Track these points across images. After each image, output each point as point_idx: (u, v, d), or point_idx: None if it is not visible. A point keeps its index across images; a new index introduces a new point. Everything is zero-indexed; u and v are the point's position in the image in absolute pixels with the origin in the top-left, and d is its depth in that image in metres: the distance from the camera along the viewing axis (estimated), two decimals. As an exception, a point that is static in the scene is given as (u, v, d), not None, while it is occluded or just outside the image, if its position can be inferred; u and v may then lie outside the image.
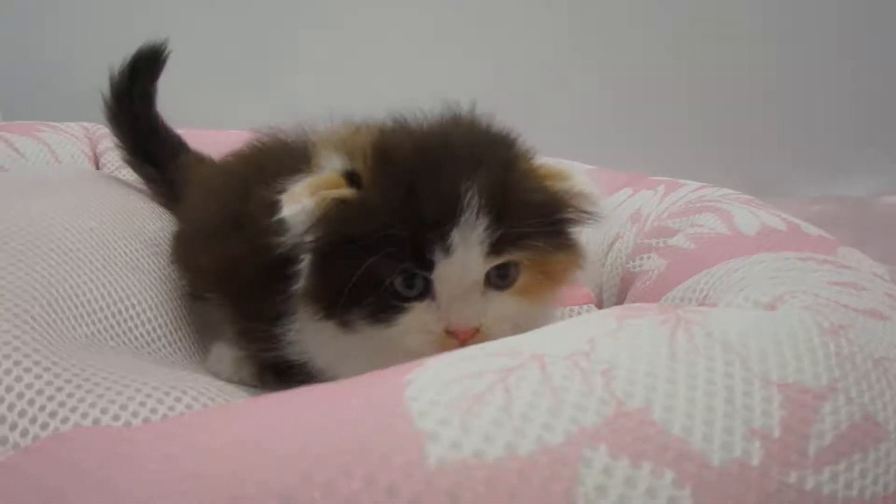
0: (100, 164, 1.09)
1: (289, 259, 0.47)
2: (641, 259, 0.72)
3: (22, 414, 0.40)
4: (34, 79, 1.57)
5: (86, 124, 1.16)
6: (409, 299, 0.42)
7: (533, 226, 0.42)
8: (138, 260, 0.64)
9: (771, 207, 0.70)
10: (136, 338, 0.56)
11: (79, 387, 0.42)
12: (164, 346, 0.59)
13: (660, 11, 1.51)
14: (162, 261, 0.67)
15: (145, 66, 0.78)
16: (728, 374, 0.30)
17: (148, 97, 0.80)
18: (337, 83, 1.43)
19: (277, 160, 0.53)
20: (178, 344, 0.61)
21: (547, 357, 0.29)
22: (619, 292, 0.76)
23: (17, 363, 0.43)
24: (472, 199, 0.40)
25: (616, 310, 0.36)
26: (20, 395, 0.41)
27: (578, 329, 0.33)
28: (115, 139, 0.82)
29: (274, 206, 0.43)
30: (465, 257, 0.41)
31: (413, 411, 0.25)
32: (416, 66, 1.48)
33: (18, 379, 0.42)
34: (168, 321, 0.61)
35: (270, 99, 1.39)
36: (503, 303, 0.44)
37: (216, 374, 0.59)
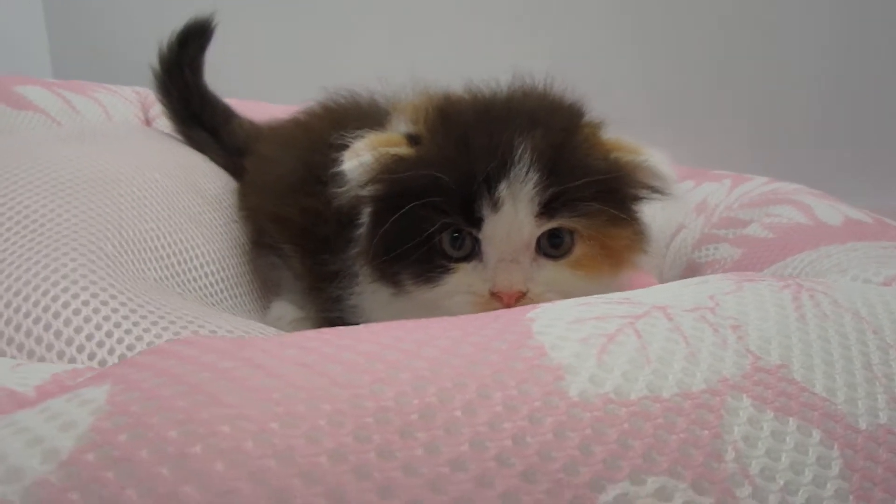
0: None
1: (356, 218, 0.47)
2: (709, 249, 0.70)
3: (100, 344, 0.39)
4: (88, 44, 1.59)
5: (138, 89, 1.17)
6: (456, 259, 0.41)
7: (590, 191, 0.40)
8: (200, 214, 0.63)
9: (847, 204, 0.67)
10: (200, 287, 0.56)
11: (155, 323, 0.41)
12: (225, 298, 0.58)
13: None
14: (222, 217, 0.66)
15: (193, 39, 0.80)
16: (862, 341, 0.28)
17: (197, 67, 0.82)
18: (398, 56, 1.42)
19: (356, 118, 0.52)
20: (239, 299, 0.60)
21: (671, 308, 0.28)
22: (681, 283, 0.74)
23: (94, 295, 0.42)
24: (523, 154, 0.39)
25: (728, 274, 0.34)
26: (98, 326, 0.40)
27: (694, 287, 0.31)
28: (166, 109, 0.84)
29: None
30: (513, 214, 0.39)
31: (545, 344, 0.23)
32: (470, 46, 1.47)
33: (97, 311, 0.41)
34: (229, 276, 0.60)
35: (319, 74, 1.39)
36: (555, 272, 0.42)
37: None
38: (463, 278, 0.41)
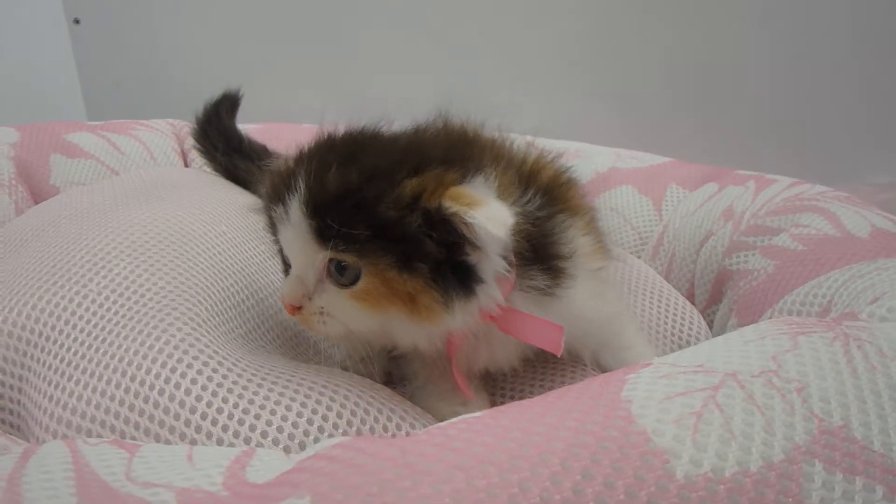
0: (188, 160, 1.14)
1: None
2: (740, 257, 0.74)
3: (214, 423, 0.44)
4: (117, 80, 1.63)
5: (172, 121, 1.22)
6: (285, 270, 0.51)
7: (372, 233, 0.43)
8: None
9: (872, 207, 0.71)
10: (276, 337, 0.60)
11: (260, 385, 0.46)
12: (298, 343, 0.62)
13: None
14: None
15: (225, 108, 0.94)
16: (907, 391, 0.32)
17: (229, 130, 0.94)
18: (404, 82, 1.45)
19: None
20: (300, 337, 0.64)
21: (740, 375, 0.32)
22: (712, 288, 0.78)
23: (205, 363, 0.47)
24: (300, 185, 0.44)
25: (781, 324, 0.39)
26: (214, 394, 0.45)
27: (755, 347, 0.35)
28: (204, 151, 0.95)
29: None
30: (290, 234, 0.46)
31: (647, 429, 0.28)
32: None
33: (210, 378, 0.46)
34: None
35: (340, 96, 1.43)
36: (335, 298, 0.46)
37: (345, 369, 0.63)
38: (281, 286, 0.49)
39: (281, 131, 1.22)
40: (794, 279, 0.61)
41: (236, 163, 0.93)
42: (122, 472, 0.28)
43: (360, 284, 0.45)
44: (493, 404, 0.56)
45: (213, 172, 0.97)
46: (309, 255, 0.46)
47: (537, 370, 0.61)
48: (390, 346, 0.54)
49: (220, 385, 0.45)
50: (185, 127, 1.15)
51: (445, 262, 0.44)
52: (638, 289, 0.75)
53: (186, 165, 1.12)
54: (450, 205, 0.42)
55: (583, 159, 1.08)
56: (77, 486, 0.27)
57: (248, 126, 1.23)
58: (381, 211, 0.43)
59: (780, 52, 1.50)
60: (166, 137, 1.12)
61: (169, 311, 0.51)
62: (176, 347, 0.47)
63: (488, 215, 0.41)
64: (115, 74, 1.61)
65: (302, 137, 0.94)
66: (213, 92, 1.09)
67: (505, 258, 0.46)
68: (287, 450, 0.41)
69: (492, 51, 1.52)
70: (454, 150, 0.48)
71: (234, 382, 0.45)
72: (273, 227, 0.49)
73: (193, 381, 0.45)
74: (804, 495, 0.26)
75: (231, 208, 0.73)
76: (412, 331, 0.47)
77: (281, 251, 0.51)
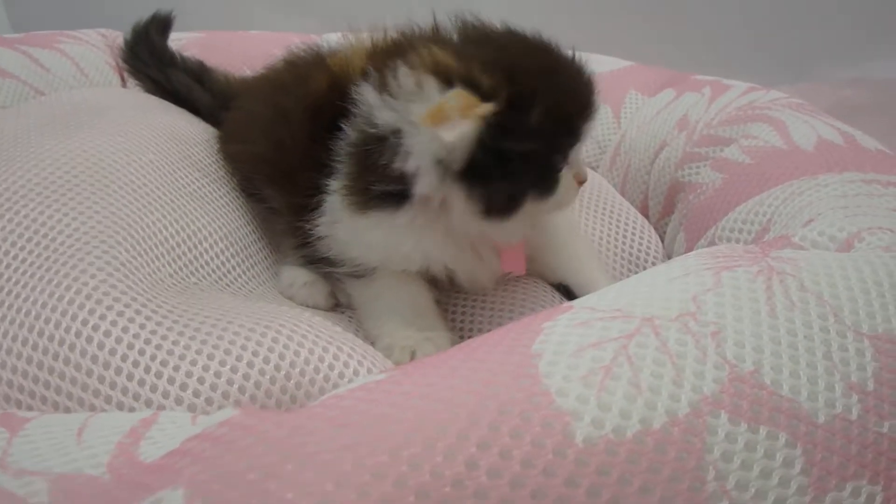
0: (125, 77, 1.07)
1: (326, 151, 0.54)
2: (691, 168, 0.73)
3: (136, 364, 0.42)
4: None
5: (102, 31, 1.14)
6: (559, 171, 0.53)
7: None
8: (200, 190, 0.65)
9: (823, 115, 0.69)
10: (213, 271, 0.59)
11: (181, 333, 0.44)
12: (238, 275, 0.61)
13: None
14: (222, 189, 0.68)
15: (155, 28, 0.89)
16: (824, 328, 0.32)
17: (160, 49, 0.89)
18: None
19: (316, 67, 0.61)
20: (251, 272, 0.63)
21: (657, 320, 0.31)
22: (664, 200, 0.77)
23: (120, 313, 0.45)
24: (595, 94, 0.53)
25: (707, 258, 0.38)
26: (130, 346, 0.43)
27: (678, 286, 0.34)
28: (138, 72, 0.90)
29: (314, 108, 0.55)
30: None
31: (552, 389, 0.27)
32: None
33: (125, 329, 0.44)
34: (239, 250, 0.63)
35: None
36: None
37: (291, 298, 0.62)
38: (568, 179, 0.54)
39: (229, 40, 1.15)
40: (739, 195, 0.60)
41: (171, 76, 0.87)
42: None
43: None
44: (454, 342, 0.57)
45: (148, 93, 0.91)
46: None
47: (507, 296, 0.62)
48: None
49: (136, 336, 0.43)
50: (120, 38, 1.07)
51: None
52: (591, 204, 0.74)
53: (124, 83, 1.06)
54: None
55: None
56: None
57: (190, 34, 1.16)
58: None
59: None
60: (98, 51, 1.05)
61: (82, 255, 0.48)
62: (88, 297, 0.45)
63: None
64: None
65: (251, 46, 0.89)
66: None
67: None
68: (206, 407, 0.41)
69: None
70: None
71: (153, 332, 0.44)
72: (564, 139, 0.53)
73: (107, 334, 0.43)
74: (706, 450, 0.26)
75: (162, 133, 0.69)
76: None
77: (535, 168, 0.52)
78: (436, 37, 0.55)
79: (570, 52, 0.54)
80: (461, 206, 0.51)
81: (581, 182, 0.56)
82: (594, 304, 0.34)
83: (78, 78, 0.98)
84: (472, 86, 0.46)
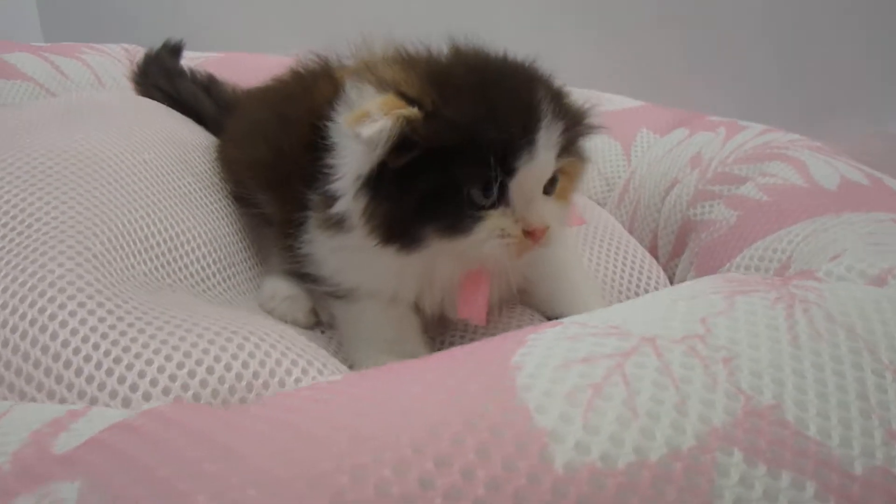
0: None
1: (317, 163, 0.49)
2: (705, 206, 0.68)
3: (87, 359, 0.38)
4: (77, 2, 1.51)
5: (126, 46, 1.14)
6: (486, 207, 0.45)
7: (576, 133, 0.48)
8: (191, 194, 0.61)
9: (845, 157, 0.65)
10: (192, 275, 0.55)
11: (142, 331, 0.40)
12: (217, 283, 0.57)
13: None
14: (214, 195, 0.64)
15: (166, 53, 0.90)
16: (857, 364, 0.27)
17: (171, 65, 0.88)
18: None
19: (325, 78, 0.57)
20: (231, 281, 0.59)
21: (659, 340, 0.27)
22: (675, 239, 0.73)
23: (81, 304, 0.41)
24: (547, 107, 0.44)
25: (719, 282, 0.33)
26: (85, 339, 0.39)
27: (685, 307, 0.30)
28: (149, 87, 0.87)
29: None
30: (546, 160, 0.45)
31: (530, 404, 0.22)
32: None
33: (83, 322, 0.40)
34: (221, 257, 0.59)
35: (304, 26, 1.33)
36: (552, 205, 0.48)
37: (270, 312, 0.58)
38: (495, 223, 0.45)
39: (242, 60, 1.14)
40: (756, 232, 0.55)
41: (179, 86, 0.86)
42: None
43: (558, 185, 0.48)
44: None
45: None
46: (547, 176, 0.46)
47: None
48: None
49: (93, 329, 0.39)
50: (141, 52, 1.07)
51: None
52: (596, 241, 0.70)
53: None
54: (577, 99, 0.50)
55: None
56: None
57: (209, 55, 1.15)
58: (578, 114, 0.49)
59: None
60: (117, 63, 1.04)
61: (54, 243, 0.45)
62: (51, 285, 0.42)
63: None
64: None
65: (264, 67, 0.88)
66: (176, 20, 1.01)
67: None
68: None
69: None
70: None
71: (111, 327, 0.40)
72: (473, 163, 0.43)
73: (63, 324, 0.40)
74: (715, 494, 0.21)
75: (161, 135, 0.66)
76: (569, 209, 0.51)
77: (441, 194, 0.44)
78: (412, 58, 0.50)
79: (530, 84, 0.46)
80: (359, 222, 0.46)
81: (530, 233, 0.45)
82: (586, 320, 0.29)
83: (94, 86, 0.97)
84: (404, 95, 0.43)
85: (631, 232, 0.79)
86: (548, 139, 0.44)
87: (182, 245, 0.56)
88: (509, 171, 0.43)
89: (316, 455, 0.20)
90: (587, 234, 0.70)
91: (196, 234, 0.57)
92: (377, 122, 0.41)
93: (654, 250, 0.76)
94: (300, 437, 0.21)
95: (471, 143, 0.43)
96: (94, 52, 1.04)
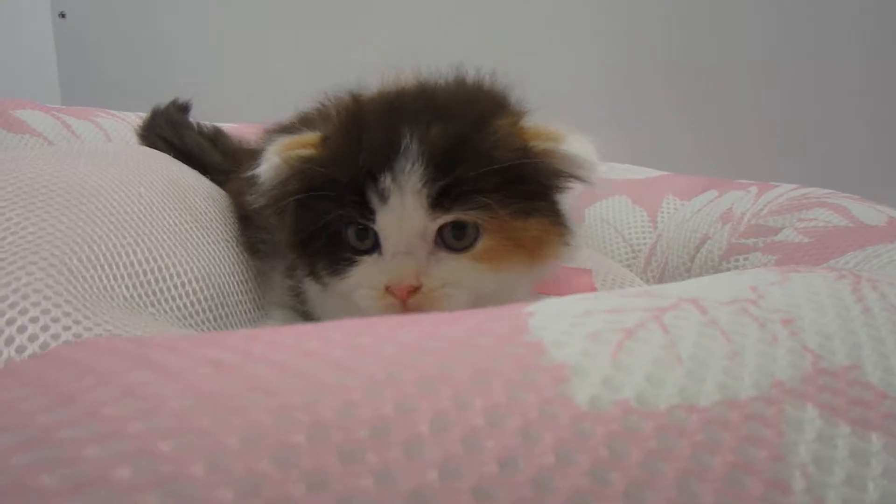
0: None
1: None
2: (738, 260, 0.64)
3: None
4: (96, 72, 1.58)
5: (142, 114, 1.15)
6: (361, 252, 0.41)
7: (491, 183, 0.39)
8: (187, 232, 0.59)
9: (887, 204, 0.61)
10: (179, 307, 0.51)
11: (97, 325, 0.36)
12: (207, 319, 0.53)
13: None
14: (213, 237, 0.62)
15: (174, 109, 0.91)
16: (944, 338, 0.22)
17: (177, 119, 0.89)
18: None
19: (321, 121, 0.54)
20: (224, 320, 0.55)
21: (703, 301, 0.22)
22: (707, 298, 0.68)
23: (45, 312, 0.38)
24: (409, 146, 0.38)
25: (770, 267, 0.29)
26: (44, 346, 0.35)
27: (730, 278, 0.26)
28: (155, 138, 0.88)
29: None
30: (401, 206, 0.39)
31: (544, 339, 0.18)
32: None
33: (45, 328, 0.36)
34: (214, 295, 0.55)
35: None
36: (456, 265, 0.40)
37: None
38: (365, 270, 0.41)
39: (252, 131, 1.15)
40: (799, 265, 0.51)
41: (185, 136, 0.86)
42: None
43: (482, 243, 0.40)
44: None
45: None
46: (424, 224, 0.39)
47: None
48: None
49: (55, 336, 0.36)
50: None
51: (552, 197, 0.42)
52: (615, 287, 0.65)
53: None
54: (536, 142, 0.40)
55: (573, 171, 1.00)
56: None
57: (224, 125, 1.17)
58: (498, 157, 0.39)
59: (788, 56, 1.38)
60: (129, 128, 1.05)
61: (26, 254, 0.42)
62: (15, 291, 0.38)
63: (579, 145, 0.40)
64: (97, 70, 1.56)
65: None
66: (196, 93, 1.04)
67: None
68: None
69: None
70: (499, 94, 0.46)
71: (77, 335, 0.36)
72: (336, 203, 0.40)
73: (21, 329, 0.36)
74: (788, 448, 0.16)
75: (161, 177, 0.64)
76: (527, 281, 0.43)
77: (318, 235, 0.42)
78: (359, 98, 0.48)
79: (398, 122, 0.41)
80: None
81: (393, 292, 0.39)
82: (619, 291, 0.25)
83: (98, 142, 0.97)
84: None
85: (660, 293, 0.74)
86: (404, 181, 0.38)
87: (171, 277, 0.52)
88: (369, 215, 0.40)
89: (274, 385, 0.16)
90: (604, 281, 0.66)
91: (188, 269, 0.54)
92: (266, 162, 0.43)
93: (685, 311, 0.71)
94: (246, 361, 0.16)
95: (334, 184, 0.40)
96: (109, 116, 1.05)
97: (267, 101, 1.43)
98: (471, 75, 0.48)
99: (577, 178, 0.41)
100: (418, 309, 0.39)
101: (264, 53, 1.53)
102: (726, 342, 0.19)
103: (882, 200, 0.64)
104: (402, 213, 0.39)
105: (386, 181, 0.38)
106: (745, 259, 0.63)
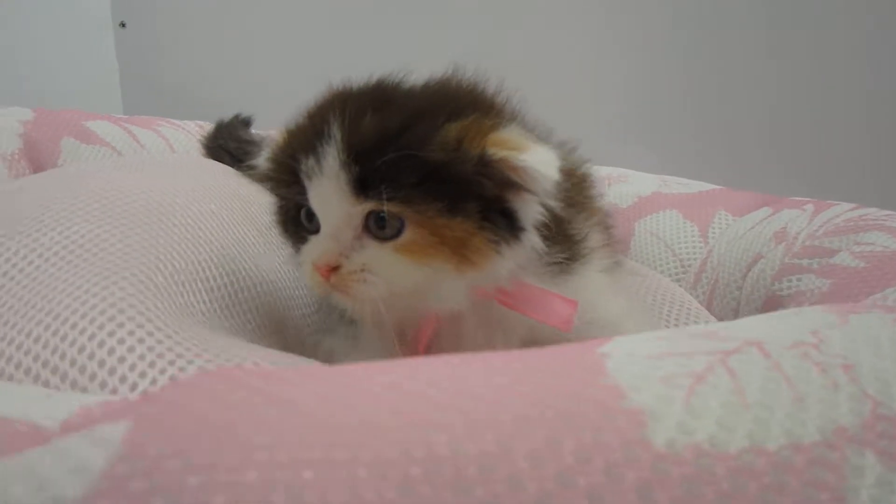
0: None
1: None
2: (791, 280, 0.64)
3: (142, 375, 0.38)
4: (156, 82, 1.64)
5: (201, 122, 1.21)
6: (310, 233, 0.44)
7: (413, 177, 0.39)
8: (254, 246, 0.62)
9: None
10: (248, 321, 0.54)
11: (199, 355, 0.39)
12: (271, 332, 0.56)
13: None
14: (275, 251, 0.65)
15: (237, 123, 0.97)
16: None
17: (240, 133, 0.95)
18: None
19: None
20: (285, 333, 0.58)
21: (766, 345, 0.24)
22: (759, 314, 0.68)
23: (140, 325, 0.41)
24: (334, 132, 0.40)
25: (828, 307, 0.30)
26: (142, 356, 0.39)
27: (792, 320, 0.27)
28: (218, 151, 0.94)
29: None
30: (321, 189, 0.41)
31: (622, 384, 0.20)
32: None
33: (141, 340, 0.40)
34: (278, 308, 0.58)
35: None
36: (377, 253, 0.41)
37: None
38: (308, 249, 0.44)
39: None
40: (855, 295, 0.51)
41: (247, 150, 0.90)
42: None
43: (406, 236, 0.41)
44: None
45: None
46: (346, 209, 0.41)
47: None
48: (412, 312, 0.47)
49: (150, 348, 0.39)
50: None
51: (493, 204, 0.41)
52: (671, 318, 0.66)
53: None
54: (495, 150, 0.39)
55: (626, 184, 1.01)
56: None
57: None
58: (428, 155, 0.39)
59: (807, 58, 1.35)
60: (191, 136, 1.10)
61: (117, 269, 0.45)
62: (112, 305, 0.42)
63: (538, 158, 0.39)
64: (156, 79, 1.62)
65: None
66: (253, 101, 1.08)
67: (545, 205, 0.42)
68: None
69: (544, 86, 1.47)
70: (483, 99, 0.46)
71: (169, 349, 0.39)
72: (287, 185, 0.44)
73: (121, 341, 0.39)
74: (850, 492, 0.18)
75: (227, 191, 0.68)
76: (454, 284, 0.43)
77: (285, 215, 0.47)
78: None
79: (327, 109, 0.43)
80: None
81: (317, 268, 0.42)
82: (680, 329, 0.27)
83: (164, 154, 1.02)
84: None
85: (709, 310, 0.75)
86: (325, 164, 0.40)
87: (242, 291, 0.55)
88: (304, 194, 0.42)
89: (391, 423, 0.18)
90: (661, 310, 0.67)
91: (257, 283, 0.57)
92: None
93: (736, 329, 0.72)
94: (370, 400, 0.19)
95: (281, 167, 0.44)
96: (169, 125, 1.10)
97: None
98: (463, 78, 0.48)
99: (530, 190, 0.40)
100: (339, 289, 0.42)
101: (322, 63, 1.58)
102: (790, 388, 0.21)
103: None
104: (325, 196, 0.41)
105: (309, 162, 0.41)
106: (799, 280, 0.63)
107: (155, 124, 1.08)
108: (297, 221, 0.45)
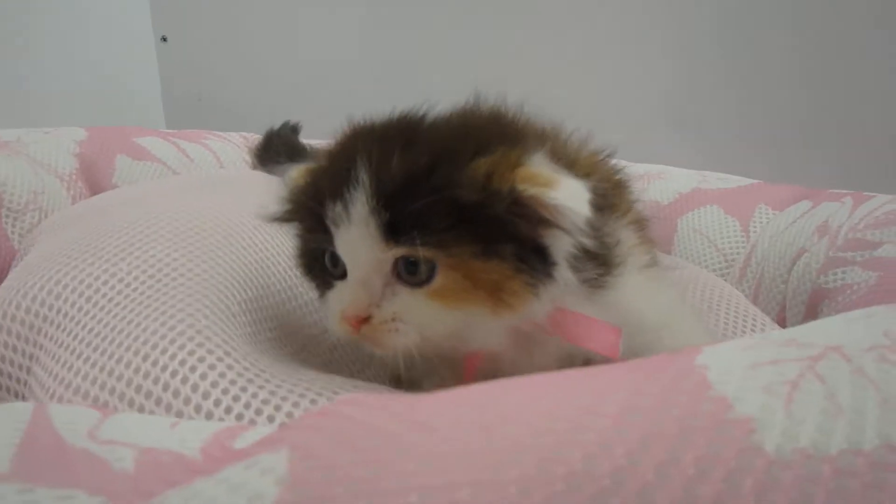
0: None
1: None
2: (836, 274, 0.66)
3: (236, 399, 0.40)
4: (197, 94, 1.69)
5: (245, 134, 1.24)
6: (336, 278, 0.43)
7: (446, 221, 0.38)
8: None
9: None
10: (318, 344, 0.56)
11: (273, 393, 0.41)
12: (345, 356, 0.58)
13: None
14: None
15: (286, 130, 1.02)
16: None
17: (291, 141, 0.99)
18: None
19: None
20: (353, 358, 0.59)
21: (845, 349, 0.26)
22: (806, 309, 0.70)
23: (220, 359, 0.43)
24: (360, 177, 0.39)
25: (892, 306, 0.32)
26: (233, 382, 0.41)
27: (863, 322, 0.29)
28: (269, 162, 0.97)
29: None
30: (350, 234, 0.40)
31: (728, 395, 0.22)
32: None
33: (230, 367, 0.42)
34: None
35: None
36: (410, 301, 0.40)
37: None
38: (334, 295, 0.43)
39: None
40: (904, 287, 0.52)
41: (299, 157, 0.93)
42: (85, 430, 0.24)
43: (438, 280, 0.39)
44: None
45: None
46: (376, 255, 0.39)
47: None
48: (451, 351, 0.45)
49: (232, 382, 0.41)
50: (257, 138, 1.17)
51: (527, 243, 0.39)
52: (720, 313, 0.68)
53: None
54: (525, 187, 0.37)
55: (665, 181, 1.02)
56: (24, 436, 0.23)
57: (317, 142, 1.24)
58: (459, 195, 0.38)
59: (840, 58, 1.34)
60: (237, 148, 1.14)
61: (198, 297, 0.48)
62: (198, 331, 0.44)
63: (569, 194, 0.37)
64: (198, 91, 1.67)
65: None
66: (292, 112, 1.11)
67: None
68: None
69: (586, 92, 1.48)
70: (507, 127, 0.45)
71: (243, 388, 0.41)
72: (311, 231, 0.43)
73: (203, 376, 0.41)
74: (942, 485, 0.20)
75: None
76: (491, 326, 0.41)
77: (308, 259, 0.46)
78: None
79: (353, 150, 0.41)
80: None
81: (346, 320, 0.40)
82: (759, 337, 0.29)
83: (216, 168, 1.05)
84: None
85: (755, 303, 0.76)
86: (354, 210, 0.39)
87: (310, 314, 0.57)
88: (331, 240, 0.41)
89: (507, 431, 0.20)
90: (712, 303, 0.68)
91: (314, 309, 0.59)
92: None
93: (782, 322, 0.73)
94: (506, 422, 0.21)
95: (304, 212, 0.43)
96: (215, 138, 1.14)
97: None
98: (487, 104, 0.48)
99: (561, 227, 0.39)
100: (369, 339, 0.41)
101: (360, 73, 1.61)
102: (876, 392, 0.23)
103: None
104: (354, 242, 0.40)
105: (336, 209, 0.40)
106: (844, 273, 0.64)
107: (201, 138, 1.11)
108: (322, 266, 0.43)
